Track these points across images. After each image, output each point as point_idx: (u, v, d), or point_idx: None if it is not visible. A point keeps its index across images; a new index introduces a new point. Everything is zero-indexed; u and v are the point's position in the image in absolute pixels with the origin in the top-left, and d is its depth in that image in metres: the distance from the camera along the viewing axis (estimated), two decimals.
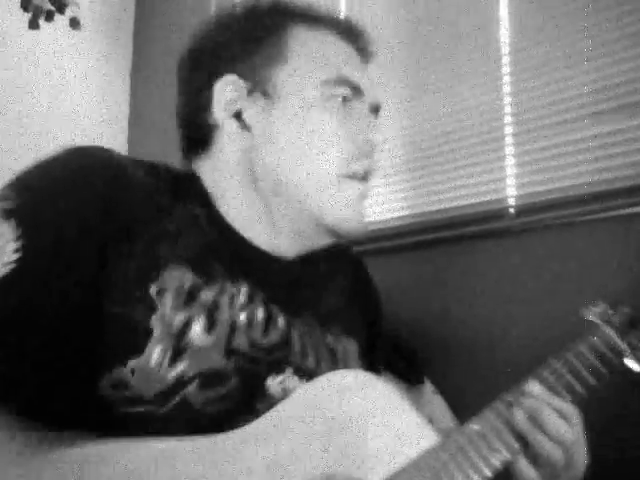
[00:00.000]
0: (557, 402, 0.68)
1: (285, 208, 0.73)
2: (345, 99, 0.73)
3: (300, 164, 0.72)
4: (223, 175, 0.74)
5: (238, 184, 0.73)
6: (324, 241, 0.76)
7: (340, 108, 0.73)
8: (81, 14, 1.99)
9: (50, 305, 0.58)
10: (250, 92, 0.73)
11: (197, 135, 0.76)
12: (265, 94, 0.73)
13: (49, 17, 1.91)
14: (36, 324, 0.57)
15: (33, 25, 1.89)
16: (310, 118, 0.72)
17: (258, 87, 0.73)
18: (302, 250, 0.76)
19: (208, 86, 0.74)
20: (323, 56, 0.74)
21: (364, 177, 0.75)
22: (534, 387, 0.70)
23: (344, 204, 0.73)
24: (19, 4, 1.89)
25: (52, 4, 1.89)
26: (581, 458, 0.70)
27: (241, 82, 0.73)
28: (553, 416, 0.67)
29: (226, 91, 0.73)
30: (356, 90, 0.75)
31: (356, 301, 0.84)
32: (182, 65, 0.80)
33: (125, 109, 2.30)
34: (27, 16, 1.90)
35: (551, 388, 0.70)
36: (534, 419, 0.67)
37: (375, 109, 0.79)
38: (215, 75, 0.74)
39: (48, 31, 1.97)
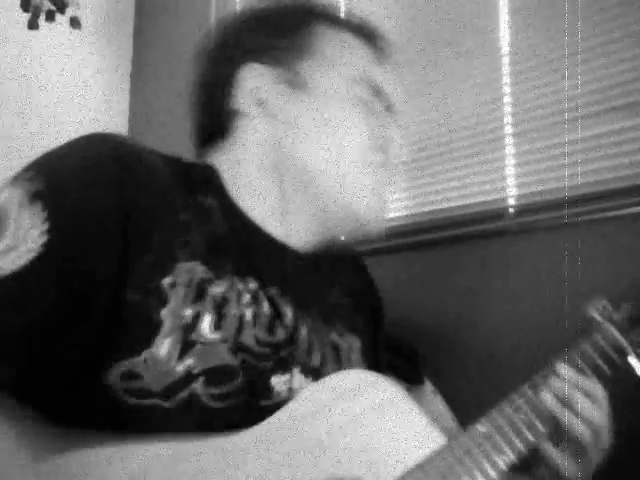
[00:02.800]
0: (586, 383, 0.72)
1: (305, 198, 0.73)
2: (366, 99, 0.76)
3: (324, 153, 0.73)
4: (242, 164, 0.74)
5: (258, 172, 0.74)
6: (342, 233, 0.77)
7: (361, 104, 0.75)
8: (82, 14, 1.99)
9: (75, 290, 0.57)
10: (276, 81, 0.74)
11: (216, 123, 0.77)
12: (291, 84, 0.74)
13: (50, 17, 1.91)
14: (60, 309, 0.57)
15: (32, 25, 1.89)
16: (335, 111, 0.74)
17: (284, 77, 0.74)
18: (316, 245, 0.76)
19: (232, 72, 0.75)
20: (348, 55, 0.77)
21: (383, 168, 0.77)
22: (562, 369, 0.72)
23: (366, 191, 0.74)
24: (19, 4, 1.89)
25: (53, 4, 1.89)
26: (606, 438, 0.73)
27: (267, 70, 0.74)
28: (582, 398, 0.70)
29: (252, 78, 0.74)
30: (377, 91, 0.77)
31: (359, 301, 0.84)
32: (205, 53, 0.80)
33: (125, 108, 2.30)
34: (27, 16, 1.90)
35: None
36: (563, 400, 0.70)
37: (388, 107, 0.81)
38: (240, 62, 0.75)
39: (48, 31, 1.97)
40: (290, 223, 0.74)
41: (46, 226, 0.57)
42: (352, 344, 0.79)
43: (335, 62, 0.75)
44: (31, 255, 0.56)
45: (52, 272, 0.57)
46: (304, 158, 0.73)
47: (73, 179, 0.61)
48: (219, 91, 0.76)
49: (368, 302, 0.87)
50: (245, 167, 0.74)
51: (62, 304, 0.57)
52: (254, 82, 0.74)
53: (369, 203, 0.75)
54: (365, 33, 0.80)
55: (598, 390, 0.71)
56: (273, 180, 0.73)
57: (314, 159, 0.73)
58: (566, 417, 0.69)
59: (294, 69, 0.74)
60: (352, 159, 0.74)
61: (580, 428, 0.69)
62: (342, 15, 0.81)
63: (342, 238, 0.80)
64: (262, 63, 0.74)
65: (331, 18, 0.79)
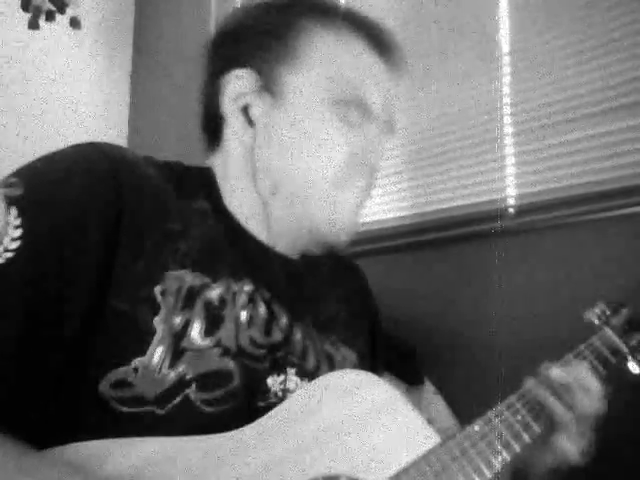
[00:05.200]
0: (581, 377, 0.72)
1: (281, 209, 0.73)
2: (352, 121, 0.72)
3: (296, 169, 0.72)
4: (228, 168, 0.75)
5: (240, 179, 0.74)
6: (314, 249, 0.76)
7: (345, 125, 0.72)
8: (81, 14, 1.99)
9: (44, 297, 0.57)
10: (259, 88, 0.73)
11: (209, 126, 0.77)
12: (272, 93, 0.72)
13: (50, 17, 1.91)
14: (29, 317, 0.56)
15: (33, 25, 1.90)
16: (310, 128, 0.72)
17: (267, 84, 0.72)
18: (298, 252, 0.76)
19: (221, 75, 0.74)
20: (337, 66, 0.73)
21: (361, 191, 0.74)
22: (558, 371, 0.73)
23: (333, 213, 0.73)
24: (19, 4, 1.89)
25: (53, 4, 1.89)
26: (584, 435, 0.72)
27: (252, 77, 0.73)
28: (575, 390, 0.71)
29: (235, 84, 0.73)
30: (366, 110, 0.73)
31: (355, 311, 0.84)
32: (204, 53, 0.79)
33: (125, 109, 2.30)
34: (27, 16, 1.90)
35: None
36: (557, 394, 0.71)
37: (389, 126, 0.78)
38: (228, 65, 0.74)
39: (48, 31, 1.97)
40: (272, 228, 0.74)
41: (19, 232, 0.56)
42: (347, 356, 0.78)
43: (321, 73, 0.72)
44: (8, 255, 0.55)
45: (23, 278, 0.56)
46: (277, 168, 0.72)
47: (56, 186, 0.60)
48: (211, 93, 0.76)
49: (364, 310, 0.87)
50: (231, 171, 0.74)
51: (33, 310, 0.56)
52: (238, 87, 0.73)
53: (338, 226, 0.73)
54: (367, 31, 0.76)
55: (593, 383, 0.72)
56: (254, 188, 0.73)
57: (286, 170, 0.72)
58: (555, 404, 0.71)
59: (278, 77, 0.72)
60: (324, 181, 0.72)
61: (562, 412, 0.70)
62: (343, 11, 0.76)
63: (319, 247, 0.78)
64: (249, 68, 0.73)
65: (328, 16, 0.75)
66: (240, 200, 0.74)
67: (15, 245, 0.56)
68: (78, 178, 0.61)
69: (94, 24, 2.20)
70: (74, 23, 1.97)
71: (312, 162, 0.72)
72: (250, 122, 0.73)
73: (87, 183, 0.61)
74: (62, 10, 1.93)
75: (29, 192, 0.59)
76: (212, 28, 2.07)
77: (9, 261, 0.55)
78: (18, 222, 0.57)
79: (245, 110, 0.73)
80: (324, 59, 0.73)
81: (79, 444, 0.54)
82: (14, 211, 0.57)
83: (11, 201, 0.58)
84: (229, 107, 0.74)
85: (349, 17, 0.76)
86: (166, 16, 2.28)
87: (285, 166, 0.72)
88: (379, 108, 0.74)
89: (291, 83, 0.72)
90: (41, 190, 0.60)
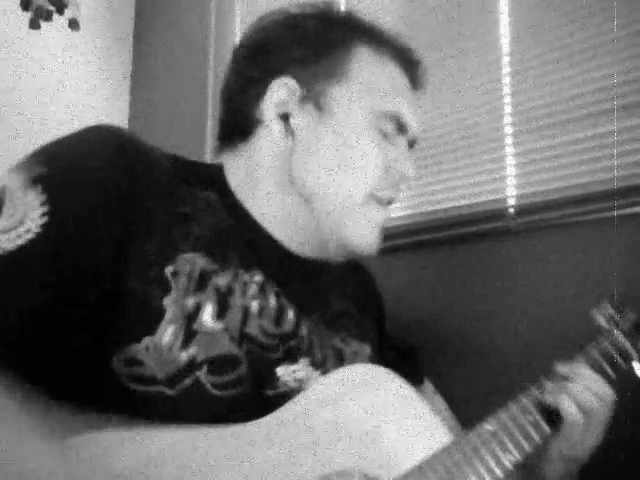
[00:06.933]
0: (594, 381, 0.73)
1: (310, 216, 0.74)
2: (388, 134, 0.75)
3: (333, 181, 0.73)
4: (255, 169, 0.75)
5: (269, 181, 0.75)
6: (338, 257, 0.77)
7: (381, 139, 0.75)
8: (81, 14, 1.99)
9: (72, 271, 0.58)
10: (303, 100, 0.74)
11: (238, 125, 0.77)
12: (317, 106, 0.74)
13: (48, 17, 1.91)
14: (57, 290, 0.57)
15: (34, 25, 1.89)
16: (353, 141, 0.73)
17: (312, 97, 0.74)
18: (317, 257, 0.77)
19: (263, 81, 0.74)
20: (381, 84, 0.75)
21: (387, 203, 0.77)
22: (570, 370, 0.73)
23: (365, 227, 0.75)
24: (19, 4, 1.89)
25: (52, 4, 1.89)
26: (595, 436, 0.73)
27: (297, 87, 0.74)
28: (588, 393, 0.71)
29: (281, 91, 0.74)
30: (402, 127, 0.77)
31: (363, 308, 0.85)
32: (241, 51, 0.80)
33: (125, 109, 2.30)
34: (27, 16, 1.90)
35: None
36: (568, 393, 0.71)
37: (412, 142, 0.80)
38: (273, 72, 0.74)
39: (48, 31, 1.97)
40: (292, 232, 0.75)
41: (45, 209, 0.57)
42: (359, 350, 0.79)
43: (366, 90, 0.74)
44: (29, 236, 0.56)
45: (49, 253, 0.57)
46: (310, 179, 0.73)
47: (75, 163, 0.62)
48: (247, 95, 0.76)
49: (372, 308, 0.88)
50: (257, 173, 0.75)
51: (58, 284, 0.57)
52: (283, 96, 0.74)
53: (366, 238, 0.75)
54: (405, 59, 0.79)
55: (605, 388, 0.72)
56: (281, 191, 0.74)
57: (323, 183, 0.73)
58: (565, 404, 0.71)
59: (324, 91, 0.74)
60: (359, 193, 0.74)
61: (574, 412, 0.70)
62: (387, 37, 0.79)
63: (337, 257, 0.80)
64: (295, 79, 0.74)
65: (374, 39, 0.77)
66: (262, 200, 0.74)
67: (42, 221, 0.57)
68: (95, 153, 0.63)
69: (94, 25, 2.19)
70: (73, 25, 1.97)
71: (350, 176, 0.73)
72: (290, 131, 0.74)
73: (103, 157, 0.63)
74: (61, 11, 1.92)
75: (51, 169, 0.60)
76: (212, 28, 2.07)
77: (38, 236, 0.56)
78: (43, 199, 0.58)
79: (285, 118, 0.74)
80: (369, 78, 0.75)
81: (93, 435, 0.54)
82: (37, 189, 0.58)
83: (32, 180, 0.59)
84: (270, 113, 0.74)
85: (388, 39, 0.79)
86: (166, 17, 2.28)
87: (322, 179, 0.73)
88: (409, 123, 0.77)
89: (337, 98, 0.74)
90: (62, 166, 0.61)
